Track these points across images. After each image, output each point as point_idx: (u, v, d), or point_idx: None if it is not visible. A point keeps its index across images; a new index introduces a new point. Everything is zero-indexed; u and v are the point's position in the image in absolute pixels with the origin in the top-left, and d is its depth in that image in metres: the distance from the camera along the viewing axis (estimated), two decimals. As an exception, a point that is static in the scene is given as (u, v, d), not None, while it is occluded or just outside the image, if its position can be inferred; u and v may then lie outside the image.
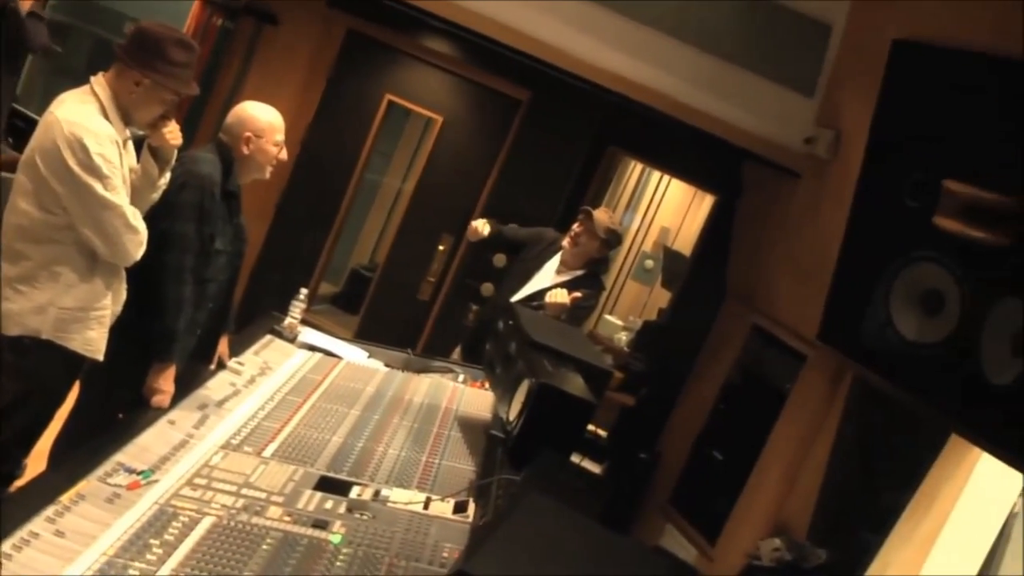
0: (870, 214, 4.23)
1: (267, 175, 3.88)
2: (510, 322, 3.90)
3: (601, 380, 3.59)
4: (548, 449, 3.03)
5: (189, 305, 3.53)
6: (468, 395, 4.41)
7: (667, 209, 9.28)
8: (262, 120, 3.78)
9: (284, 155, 3.88)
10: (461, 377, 4.70)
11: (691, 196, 9.03)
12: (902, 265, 3.92)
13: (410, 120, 8.73)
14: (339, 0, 6.53)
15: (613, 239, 5.32)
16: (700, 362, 6.31)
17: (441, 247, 6.95)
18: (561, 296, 5.00)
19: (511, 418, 3.36)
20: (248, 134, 3.73)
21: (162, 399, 3.42)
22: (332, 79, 6.85)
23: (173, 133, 3.45)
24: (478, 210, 6.75)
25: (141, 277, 3.43)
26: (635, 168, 8.85)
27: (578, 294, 5.05)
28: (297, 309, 4.62)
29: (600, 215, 5.24)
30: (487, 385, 4.41)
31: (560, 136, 6.61)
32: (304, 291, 4.67)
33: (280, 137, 3.83)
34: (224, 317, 3.93)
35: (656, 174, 8.88)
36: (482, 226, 5.39)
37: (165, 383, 3.44)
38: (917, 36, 4.03)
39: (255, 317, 4.81)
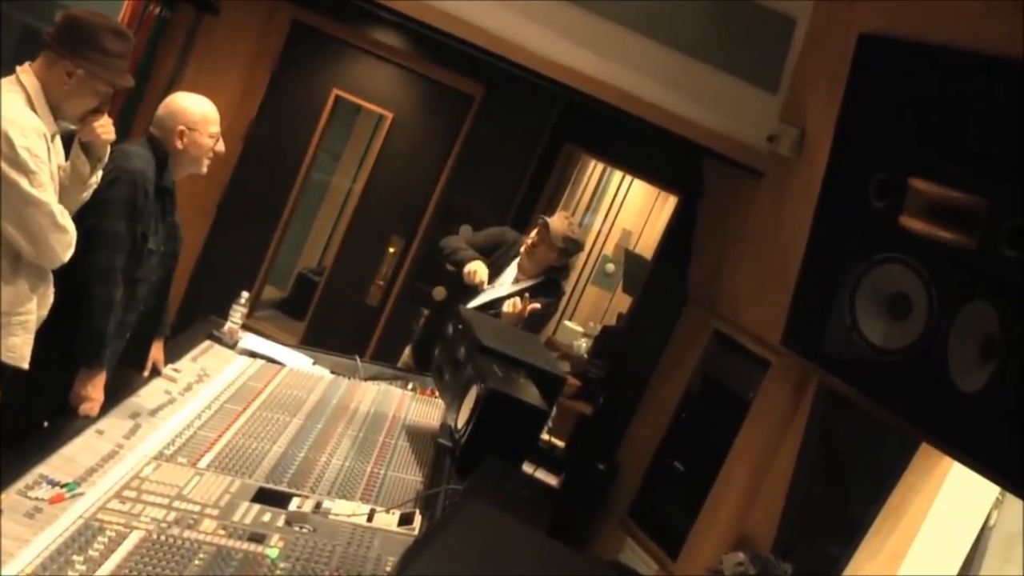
0: (835, 214, 4.24)
1: (204, 169, 3.83)
2: (459, 326, 3.88)
3: (554, 386, 3.59)
4: (493, 456, 3.01)
5: (119, 307, 3.48)
6: (417, 403, 4.39)
7: (629, 211, 9.28)
8: (195, 111, 3.73)
9: (221, 147, 3.83)
10: (410, 385, 4.68)
11: (654, 197, 9.04)
12: (868, 267, 3.92)
13: (360, 117, 8.71)
14: (282, -12, 6.51)
15: (572, 247, 5.30)
16: (661, 369, 6.32)
17: (391, 249, 6.93)
18: (518, 308, 4.99)
19: (459, 426, 3.34)
20: (181, 127, 3.68)
21: (90, 407, 3.36)
22: (276, 72, 6.82)
23: (105, 127, 3.38)
24: (429, 210, 6.74)
25: (68, 278, 3.37)
26: (596, 168, 8.85)
27: (536, 305, 5.03)
28: (237, 314, 4.59)
29: (556, 224, 5.21)
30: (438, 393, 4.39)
31: (515, 133, 6.62)
32: (245, 295, 4.64)
33: (215, 129, 3.78)
34: (156, 320, 3.88)
35: (618, 174, 8.88)
36: (482, 271, 5.26)
37: (94, 390, 3.39)
38: (884, 30, 4.04)
39: (194, 322, 4.77)
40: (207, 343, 4.45)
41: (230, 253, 6.94)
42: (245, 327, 4.68)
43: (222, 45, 6.54)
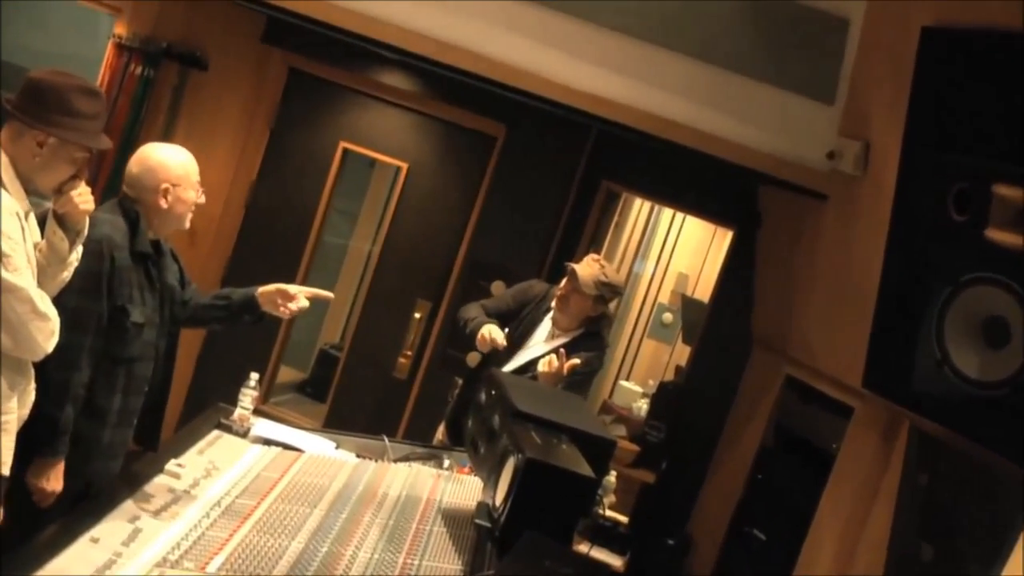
0: (912, 234, 4.19)
1: (187, 225, 3.88)
2: (492, 392, 3.84)
3: (603, 452, 3.53)
4: (531, 532, 2.95)
5: (120, 391, 3.47)
6: (454, 483, 4.34)
7: (684, 252, 9.24)
8: (176, 166, 3.76)
9: (202, 199, 3.87)
10: (446, 463, 4.63)
11: (711, 234, 9.00)
12: (955, 291, 3.87)
13: (375, 172, 8.73)
14: (275, 34, 6.54)
15: (607, 292, 5.23)
16: (729, 425, 6.26)
17: (417, 315, 6.90)
18: (554, 367, 4.93)
19: (498, 503, 3.29)
20: (165, 185, 3.71)
21: (45, 499, 3.36)
22: (276, 128, 6.86)
23: (83, 197, 3.38)
24: (456, 268, 6.71)
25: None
26: (643, 207, 8.83)
27: (576, 361, 4.98)
28: (248, 398, 4.56)
29: (585, 270, 5.15)
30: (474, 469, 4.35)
31: (544, 174, 6.59)
32: (255, 376, 4.62)
33: (197, 178, 3.82)
34: (166, 392, 3.90)
35: (668, 212, 8.86)
36: (493, 332, 5.18)
37: (49, 481, 3.38)
38: (948, 21, 4.01)
39: (200, 410, 4.75)
40: (215, 433, 4.43)
41: (239, 333, 6.91)
42: (262, 413, 4.67)
43: (213, 102, 6.60)
